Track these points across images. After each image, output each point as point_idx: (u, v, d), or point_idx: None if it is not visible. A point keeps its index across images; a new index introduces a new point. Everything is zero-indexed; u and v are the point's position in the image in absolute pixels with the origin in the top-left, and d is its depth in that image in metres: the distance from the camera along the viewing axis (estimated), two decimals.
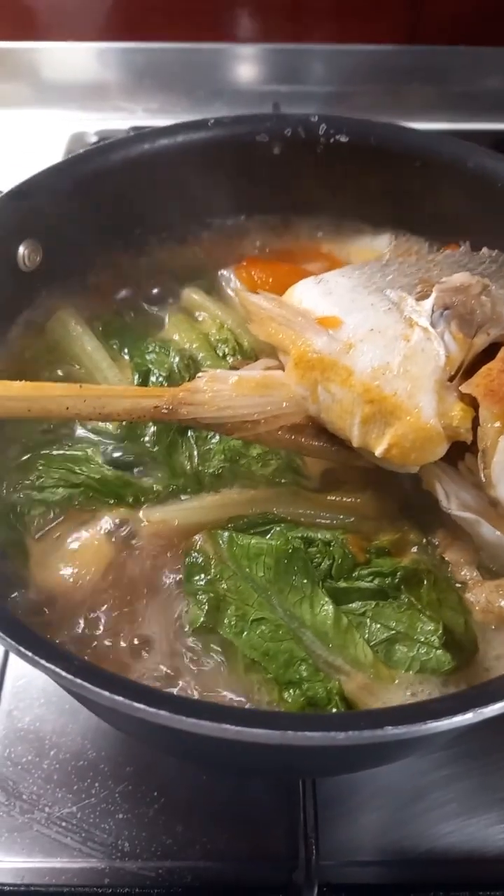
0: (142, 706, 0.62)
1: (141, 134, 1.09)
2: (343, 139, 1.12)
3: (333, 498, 0.91)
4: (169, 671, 0.81)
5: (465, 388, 0.78)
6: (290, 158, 1.13)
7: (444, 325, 0.80)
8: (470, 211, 1.08)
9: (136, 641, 0.83)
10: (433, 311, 0.80)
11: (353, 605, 0.81)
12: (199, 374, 0.83)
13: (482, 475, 0.77)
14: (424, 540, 0.88)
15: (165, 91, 1.78)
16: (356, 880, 0.93)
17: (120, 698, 0.62)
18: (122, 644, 0.83)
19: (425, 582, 0.82)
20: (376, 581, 0.82)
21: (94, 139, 1.65)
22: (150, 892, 0.91)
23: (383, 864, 0.94)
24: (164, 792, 0.97)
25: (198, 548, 0.86)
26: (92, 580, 0.87)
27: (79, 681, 0.63)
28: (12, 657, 1.04)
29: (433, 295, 0.81)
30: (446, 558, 0.86)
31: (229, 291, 1.14)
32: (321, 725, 0.62)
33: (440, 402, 0.78)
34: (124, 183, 1.07)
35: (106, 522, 0.90)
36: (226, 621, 0.81)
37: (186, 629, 0.83)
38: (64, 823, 0.95)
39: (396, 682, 0.78)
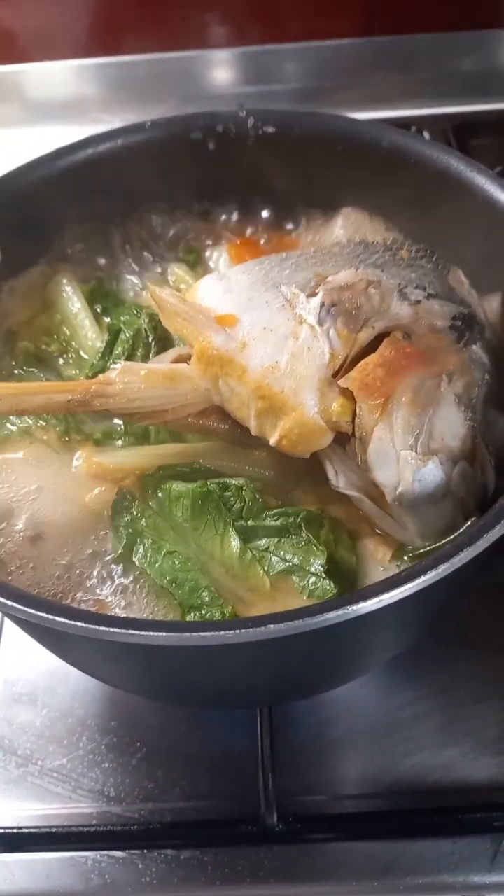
0: (61, 619, 0.65)
1: (84, 140, 1.08)
2: (270, 130, 1.09)
3: (259, 454, 0.91)
4: (89, 596, 0.84)
5: (342, 383, 0.77)
6: (225, 152, 1.11)
7: (330, 322, 0.79)
8: (389, 187, 1.07)
9: (58, 568, 0.85)
10: (320, 308, 0.79)
11: (260, 542, 0.84)
12: (112, 367, 0.84)
13: (360, 461, 0.77)
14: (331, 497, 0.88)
15: (141, 101, 1.74)
16: (324, 811, 0.95)
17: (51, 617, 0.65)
18: (46, 570, 0.86)
19: (325, 526, 0.84)
20: (280, 520, 0.84)
21: None
22: (132, 830, 0.94)
23: (350, 796, 0.96)
24: (145, 742, 0.99)
25: (126, 489, 0.88)
26: (23, 504, 0.89)
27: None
28: (5, 630, 1.07)
29: (319, 293, 0.79)
30: (344, 513, 0.86)
31: (214, 267, 1.14)
32: (214, 627, 0.65)
33: (322, 398, 0.77)
34: (72, 184, 1.07)
35: (46, 452, 0.93)
36: (141, 552, 0.84)
37: (107, 559, 0.86)
38: (55, 774, 0.98)
39: (286, 607, 0.78)
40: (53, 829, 0.94)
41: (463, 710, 1.00)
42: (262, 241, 1.16)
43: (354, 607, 0.63)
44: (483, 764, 0.97)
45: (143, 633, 0.62)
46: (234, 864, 0.90)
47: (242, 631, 0.62)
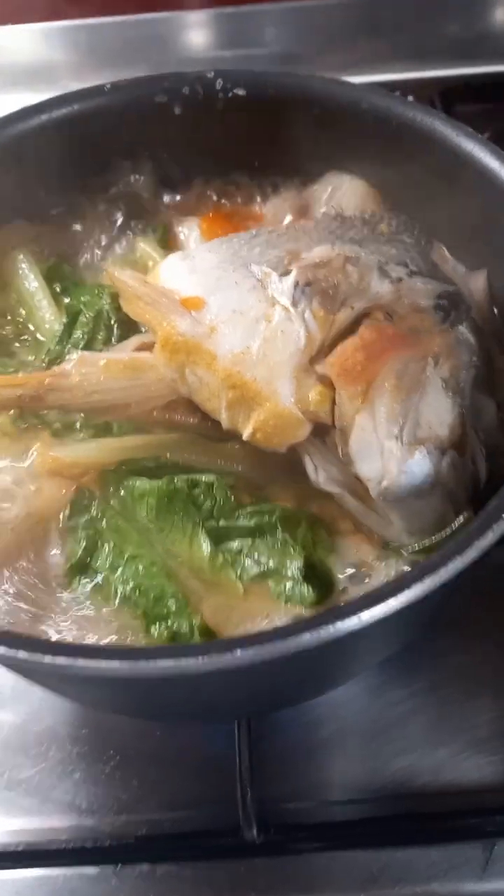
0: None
1: (37, 105, 0.99)
2: (241, 92, 1.00)
3: (231, 446, 0.82)
4: (39, 610, 0.77)
5: (320, 369, 0.70)
6: (193, 117, 1.02)
7: (305, 303, 0.72)
8: (372, 151, 0.98)
9: (6, 578, 0.78)
10: (294, 287, 0.72)
11: (232, 544, 0.77)
12: (68, 357, 0.77)
13: (341, 453, 0.70)
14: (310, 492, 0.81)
15: (113, 66, 1.61)
16: (308, 819, 0.89)
17: None
18: None
19: (303, 524, 0.78)
20: (255, 520, 0.77)
21: None
22: (105, 844, 0.88)
23: (336, 802, 0.90)
24: (119, 750, 0.93)
25: (85, 487, 0.81)
26: None
27: None
28: None
29: (293, 272, 0.72)
30: (323, 509, 0.79)
31: (185, 243, 1.04)
32: (174, 653, 0.58)
33: (298, 385, 0.71)
34: (23, 153, 0.98)
35: None
36: (101, 557, 0.77)
37: (63, 567, 0.78)
38: (23, 786, 0.92)
39: (262, 614, 0.74)
40: (21, 847, 0.88)
41: (454, 708, 0.95)
42: (236, 214, 1.08)
43: (331, 627, 0.56)
44: (474, 764, 0.92)
45: (91, 662, 0.55)
46: (212, 879, 0.85)
47: (205, 658, 0.55)
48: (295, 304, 0.72)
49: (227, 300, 0.74)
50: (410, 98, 1.51)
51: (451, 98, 1.55)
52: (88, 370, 0.75)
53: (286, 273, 0.74)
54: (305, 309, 0.72)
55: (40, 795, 0.91)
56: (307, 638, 0.56)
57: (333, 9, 1.69)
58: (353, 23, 1.70)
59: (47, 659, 0.56)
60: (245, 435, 0.74)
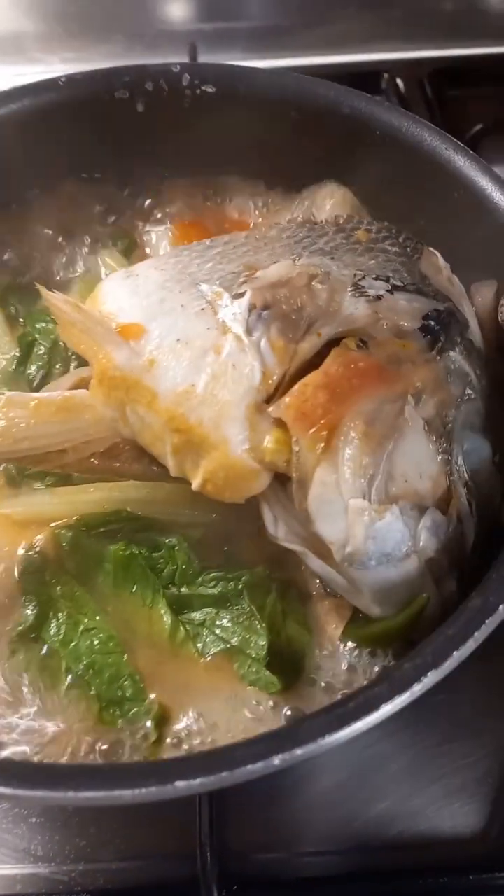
0: None
1: None
2: (210, 90, 0.88)
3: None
4: None
5: (274, 412, 0.57)
6: (157, 115, 0.89)
7: (262, 330, 0.59)
8: (354, 162, 0.86)
9: None
10: (249, 311, 0.59)
11: (194, 615, 0.68)
12: None
13: (299, 508, 0.58)
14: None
15: (83, 37, 1.48)
16: (273, 873, 0.80)
17: None
18: None
19: (273, 592, 0.67)
20: (219, 587, 0.68)
21: None
22: None
23: (306, 853, 0.80)
24: None
25: (37, 548, 0.70)
26: None
27: None
28: None
29: (247, 293, 0.59)
30: (300, 570, 0.68)
31: (148, 253, 0.92)
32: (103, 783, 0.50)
33: (252, 430, 0.59)
34: None
35: None
36: (53, 628, 0.67)
37: (9, 636, 0.68)
38: None
39: (225, 695, 0.65)
40: None
41: (431, 751, 0.83)
42: (217, 220, 0.95)
43: (285, 756, 0.48)
44: (450, 813, 0.81)
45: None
46: None
47: (142, 790, 0.47)
48: (249, 332, 0.59)
49: (171, 326, 0.62)
50: (399, 81, 1.38)
51: (442, 81, 1.41)
52: (16, 413, 0.63)
53: (240, 294, 0.60)
54: (262, 338, 0.59)
55: None
56: (258, 767, 0.48)
57: None
58: None
59: None
60: (195, 485, 0.62)
